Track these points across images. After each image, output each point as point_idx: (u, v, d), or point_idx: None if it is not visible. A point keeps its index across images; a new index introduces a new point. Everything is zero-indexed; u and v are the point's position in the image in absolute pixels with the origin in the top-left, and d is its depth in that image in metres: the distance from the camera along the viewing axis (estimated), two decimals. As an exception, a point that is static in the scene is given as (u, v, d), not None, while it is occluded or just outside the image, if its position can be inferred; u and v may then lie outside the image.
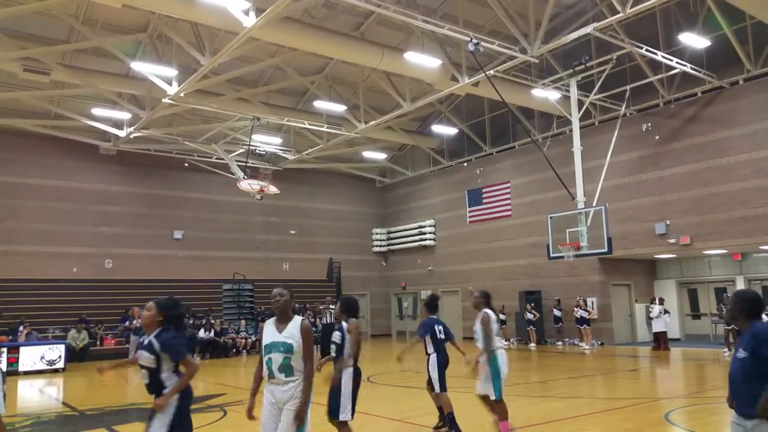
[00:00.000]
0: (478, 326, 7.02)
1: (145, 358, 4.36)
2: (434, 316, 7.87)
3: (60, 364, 16.81)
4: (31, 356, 16.55)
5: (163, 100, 17.97)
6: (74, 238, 22.34)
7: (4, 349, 16.27)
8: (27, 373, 16.19)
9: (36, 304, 20.07)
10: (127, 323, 19.87)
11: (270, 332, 4.45)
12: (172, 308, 4.55)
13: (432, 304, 7.94)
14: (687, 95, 18.74)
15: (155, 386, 4.38)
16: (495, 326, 6.99)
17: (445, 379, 7.66)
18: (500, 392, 6.85)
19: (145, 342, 4.40)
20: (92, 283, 21.79)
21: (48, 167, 22.22)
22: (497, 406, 6.89)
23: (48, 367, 16.60)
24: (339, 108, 21.24)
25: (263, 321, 4.75)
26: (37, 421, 9.38)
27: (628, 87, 18.57)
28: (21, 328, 18.24)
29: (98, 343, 19.91)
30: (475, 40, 14.21)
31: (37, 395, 13.06)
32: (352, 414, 5.95)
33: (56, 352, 16.92)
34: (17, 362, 16.27)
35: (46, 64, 17.12)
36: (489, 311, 7.05)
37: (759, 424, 3.48)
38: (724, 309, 16.67)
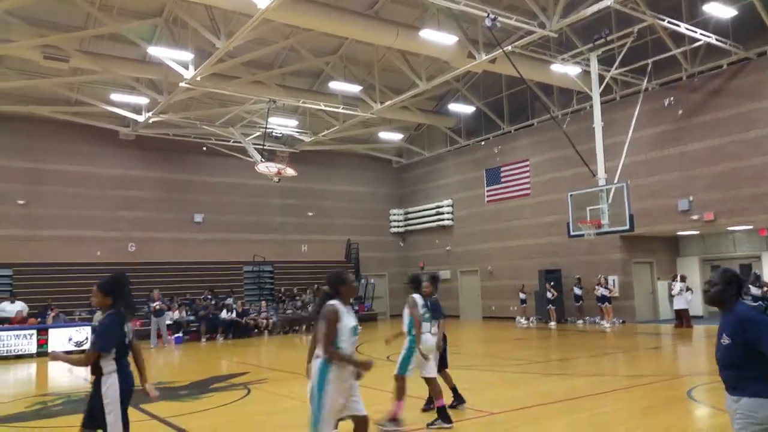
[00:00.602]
0: (405, 310, 7.15)
1: (90, 338, 4.52)
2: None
3: (87, 345, 17.14)
4: (59, 338, 16.93)
5: (180, 84, 18.00)
6: (97, 223, 22.66)
7: (34, 331, 16.66)
8: (55, 355, 16.55)
9: (62, 288, 20.45)
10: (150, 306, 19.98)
11: (349, 315, 4.64)
12: (113, 288, 4.52)
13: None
14: (711, 68, 18.31)
15: (94, 367, 4.43)
16: (422, 311, 7.11)
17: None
18: (404, 370, 6.91)
19: None
20: (116, 267, 22.01)
21: (69, 153, 22.50)
22: (397, 382, 6.87)
23: (76, 348, 16.94)
24: (354, 88, 21.13)
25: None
26: (68, 399, 9.61)
27: (649, 60, 18.20)
28: (49, 311, 18.64)
29: (123, 325, 20.22)
30: (492, 16, 13.99)
31: (66, 375, 13.35)
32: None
33: (83, 333, 17.27)
34: (46, 344, 16.67)
35: (65, 50, 17.23)
36: (416, 295, 7.20)
37: (747, 401, 3.46)
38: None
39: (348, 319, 4.59)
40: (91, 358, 4.37)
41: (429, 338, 7.08)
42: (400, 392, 6.78)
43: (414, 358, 6.94)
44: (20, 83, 19.61)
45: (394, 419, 6.63)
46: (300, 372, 12.05)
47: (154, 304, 18.48)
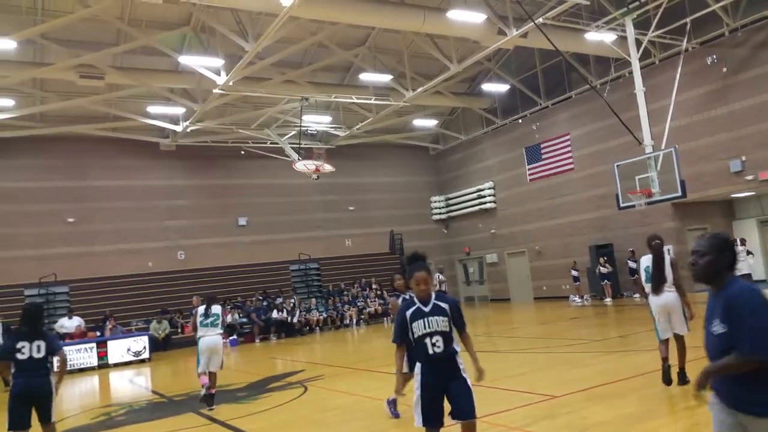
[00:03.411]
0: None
1: None
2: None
3: (145, 355, 17.53)
4: (118, 349, 17.33)
5: (214, 90, 18.18)
6: (146, 234, 23.17)
7: (94, 344, 17.12)
8: (116, 365, 16.98)
9: (118, 300, 20.98)
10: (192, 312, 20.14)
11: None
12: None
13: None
14: (755, 20, 17.43)
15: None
16: (199, 318, 9.20)
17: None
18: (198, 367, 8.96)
19: None
20: (168, 275, 22.59)
21: (114, 168, 23.03)
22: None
23: (134, 358, 17.34)
24: (385, 78, 20.97)
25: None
26: (131, 409, 9.80)
27: (688, 19, 17.48)
28: (107, 322, 19.12)
29: (179, 331, 20.65)
30: (519, -11, 13.62)
31: (128, 385, 13.68)
32: None
33: (141, 343, 17.65)
34: (106, 356, 17.08)
35: (99, 68, 17.60)
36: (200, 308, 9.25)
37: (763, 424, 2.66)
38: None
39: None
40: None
41: (202, 341, 8.91)
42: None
43: (202, 358, 8.89)
44: (60, 105, 20.14)
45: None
46: (353, 366, 12.03)
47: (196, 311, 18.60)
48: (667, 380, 6.90)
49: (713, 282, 2.90)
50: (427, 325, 4.23)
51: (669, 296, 7.11)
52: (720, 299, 2.81)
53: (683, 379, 6.95)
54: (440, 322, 4.24)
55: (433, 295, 4.38)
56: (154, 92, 20.53)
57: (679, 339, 7.12)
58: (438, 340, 4.19)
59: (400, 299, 6.62)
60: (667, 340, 7.14)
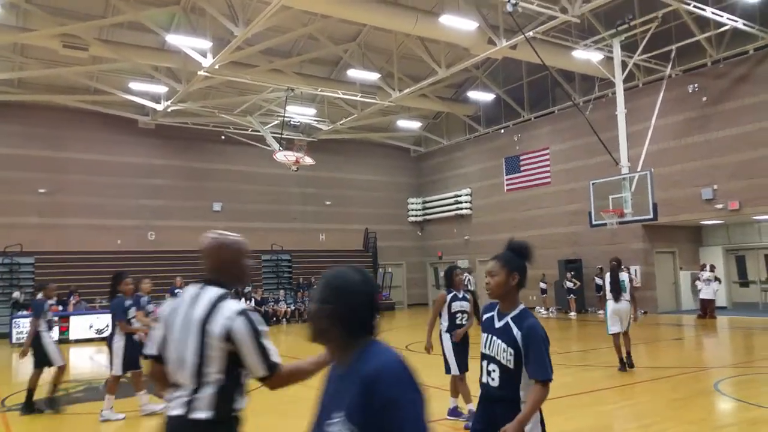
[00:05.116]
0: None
1: None
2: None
3: (108, 332, 17.24)
4: (80, 325, 17.11)
5: (199, 72, 17.99)
6: (118, 211, 22.82)
7: (56, 319, 16.81)
8: (77, 341, 16.74)
9: (83, 275, 20.62)
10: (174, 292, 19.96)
11: None
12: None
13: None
14: (737, 53, 17.88)
15: None
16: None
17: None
18: None
19: None
20: (136, 254, 22.26)
21: (90, 141, 22.63)
22: None
23: (97, 336, 17.12)
24: (373, 76, 20.97)
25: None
26: (89, 386, 9.68)
27: (673, 47, 17.85)
28: (72, 296, 18.78)
29: (143, 313, 20.37)
30: (513, 0, 13.75)
31: (87, 362, 13.49)
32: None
33: (104, 321, 17.40)
34: (68, 331, 16.84)
35: (84, 39, 17.26)
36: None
37: None
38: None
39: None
40: None
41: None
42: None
43: None
44: (40, 72, 19.73)
45: None
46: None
47: (176, 291, 18.46)
48: (628, 365, 9.57)
49: (339, 348, 1.87)
50: (489, 344, 3.12)
51: (624, 304, 9.81)
52: (355, 378, 1.73)
53: (630, 362, 9.64)
54: (501, 351, 3.04)
55: (517, 309, 3.10)
56: (138, 68, 20.22)
57: (626, 333, 9.81)
58: (494, 370, 3.07)
59: (450, 294, 6.56)
60: (617, 334, 9.69)
